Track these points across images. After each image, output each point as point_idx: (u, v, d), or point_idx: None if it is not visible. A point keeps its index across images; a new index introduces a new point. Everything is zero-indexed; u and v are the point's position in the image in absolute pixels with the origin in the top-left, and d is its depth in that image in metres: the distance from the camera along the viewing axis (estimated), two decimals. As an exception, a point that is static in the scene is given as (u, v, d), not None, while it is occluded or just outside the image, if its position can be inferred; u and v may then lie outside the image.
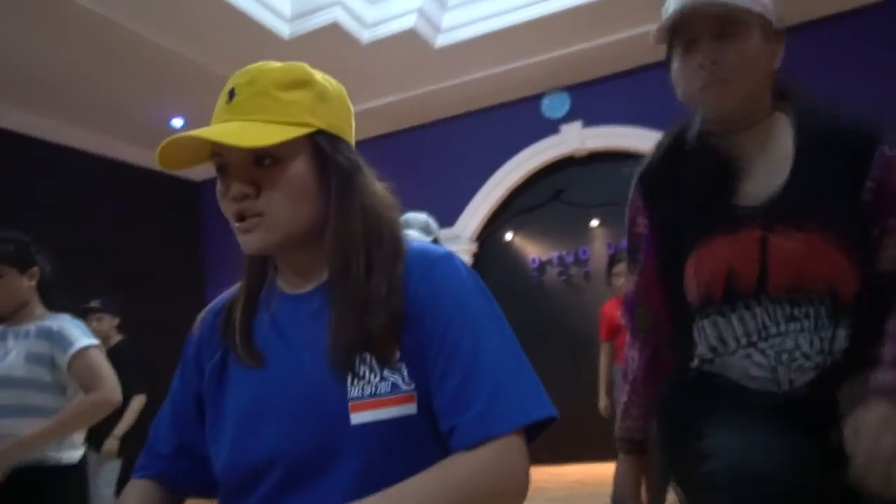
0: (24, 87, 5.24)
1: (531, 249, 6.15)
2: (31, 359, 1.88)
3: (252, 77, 0.76)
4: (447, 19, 5.21)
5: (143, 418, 4.07)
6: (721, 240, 1.00)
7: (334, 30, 4.77)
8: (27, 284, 1.97)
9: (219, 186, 0.77)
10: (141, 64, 5.00)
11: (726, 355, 1.02)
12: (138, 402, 4.07)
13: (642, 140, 4.76)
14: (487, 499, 0.69)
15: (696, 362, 1.07)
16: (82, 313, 3.72)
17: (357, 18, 4.89)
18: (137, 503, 0.82)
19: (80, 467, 2.02)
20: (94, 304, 4.13)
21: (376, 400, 0.72)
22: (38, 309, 2.01)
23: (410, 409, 0.72)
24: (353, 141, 0.83)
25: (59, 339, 1.93)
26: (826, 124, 1.03)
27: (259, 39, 4.81)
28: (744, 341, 1.00)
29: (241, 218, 0.75)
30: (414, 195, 5.67)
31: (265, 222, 0.75)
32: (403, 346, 0.74)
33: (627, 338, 1.24)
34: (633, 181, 1.17)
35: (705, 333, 1.04)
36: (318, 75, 0.81)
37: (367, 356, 0.73)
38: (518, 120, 6.11)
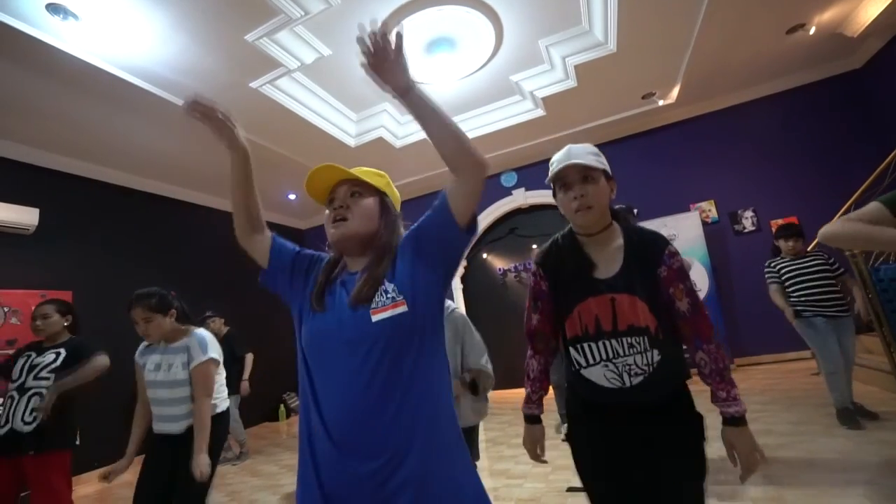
0: (208, 181, 5.44)
1: (498, 263, 6.26)
2: (183, 366, 1.86)
3: (363, 168, 0.94)
4: (444, 132, 5.36)
5: (254, 367, 4.35)
6: (591, 300, 1.02)
7: (380, 141, 4.93)
8: (168, 321, 1.87)
9: (327, 209, 0.89)
10: (269, 164, 5.10)
11: (593, 366, 1.02)
12: (250, 358, 4.28)
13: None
14: (469, 145, 0.78)
15: (575, 367, 1.06)
16: (202, 320, 4.12)
17: (393, 134, 5.05)
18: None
19: (227, 413, 2.01)
20: (209, 313, 4.26)
21: (385, 307, 0.78)
22: (181, 330, 1.92)
23: (403, 308, 0.79)
24: (399, 208, 0.97)
25: (190, 354, 1.87)
26: (639, 236, 1.05)
27: (338, 148, 4.93)
28: (603, 358, 1.00)
29: (335, 219, 0.86)
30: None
31: (346, 224, 0.85)
32: (396, 275, 0.83)
33: (529, 352, 1.18)
34: (534, 262, 1.17)
35: (583, 352, 1.03)
36: (389, 180, 0.95)
37: (378, 288, 0.81)
38: (488, 188, 5.88)
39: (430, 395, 0.78)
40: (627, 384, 0.98)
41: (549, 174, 1.07)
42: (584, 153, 1.03)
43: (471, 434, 1.99)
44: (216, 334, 4.30)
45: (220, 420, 1.96)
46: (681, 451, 0.98)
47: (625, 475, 0.99)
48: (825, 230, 1.04)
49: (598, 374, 1.01)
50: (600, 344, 1.01)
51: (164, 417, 1.85)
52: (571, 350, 1.06)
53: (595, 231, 1.06)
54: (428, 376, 0.79)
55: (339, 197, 0.89)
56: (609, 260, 1.04)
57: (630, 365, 0.98)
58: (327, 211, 0.89)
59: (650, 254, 1.02)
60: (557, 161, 1.06)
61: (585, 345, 1.03)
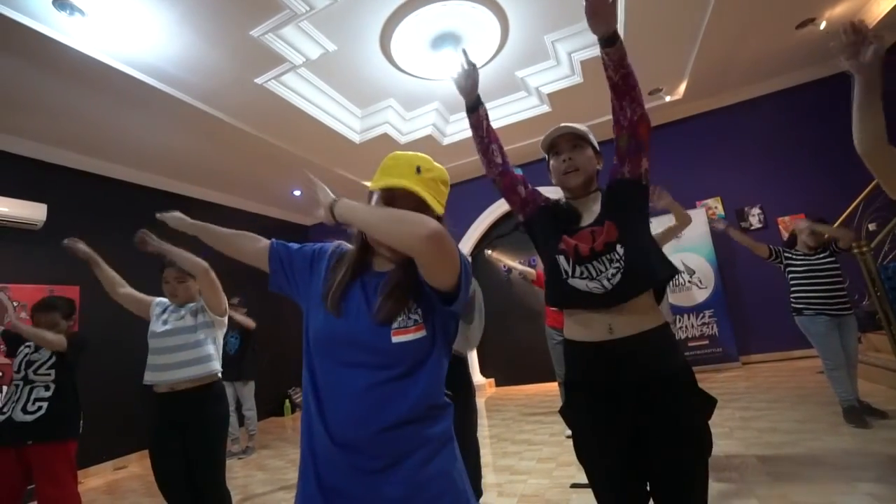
0: (214, 177, 5.46)
1: (502, 259, 6.21)
2: (191, 313, 1.96)
3: (430, 167, 0.82)
4: (449, 129, 5.33)
5: (258, 362, 4.52)
6: (576, 235, 1.11)
7: (385, 137, 4.91)
8: (197, 287, 2.03)
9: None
10: (275, 161, 5.15)
11: (577, 279, 1.09)
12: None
13: (558, 194, 4.94)
14: (411, 223, 0.71)
15: (563, 275, 1.12)
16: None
17: (398, 130, 5.03)
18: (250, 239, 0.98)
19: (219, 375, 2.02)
20: (236, 300, 4.33)
21: (407, 329, 0.77)
22: (197, 298, 2.05)
23: (422, 333, 0.78)
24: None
25: (200, 302, 2.00)
26: (607, 189, 1.16)
27: (342, 144, 4.92)
28: (586, 277, 1.08)
29: None
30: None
31: None
32: (422, 301, 0.80)
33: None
34: (548, 199, 1.25)
35: (571, 266, 1.11)
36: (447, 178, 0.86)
37: (404, 308, 0.79)
38: (491, 184, 6.14)
39: (430, 415, 0.78)
40: (608, 287, 1.05)
41: (543, 143, 1.20)
42: (575, 126, 1.16)
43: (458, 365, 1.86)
44: None
45: (218, 387, 1.99)
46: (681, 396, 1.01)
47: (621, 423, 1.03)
48: (858, 146, 1.04)
49: (582, 284, 1.09)
50: (583, 267, 1.09)
51: (169, 366, 1.86)
52: (560, 258, 1.13)
53: (581, 194, 1.18)
54: (431, 396, 0.79)
55: (398, 204, 0.81)
56: (592, 213, 1.15)
57: (610, 276, 1.05)
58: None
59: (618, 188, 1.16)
60: (550, 131, 1.18)
61: (573, 271, 1.11)
